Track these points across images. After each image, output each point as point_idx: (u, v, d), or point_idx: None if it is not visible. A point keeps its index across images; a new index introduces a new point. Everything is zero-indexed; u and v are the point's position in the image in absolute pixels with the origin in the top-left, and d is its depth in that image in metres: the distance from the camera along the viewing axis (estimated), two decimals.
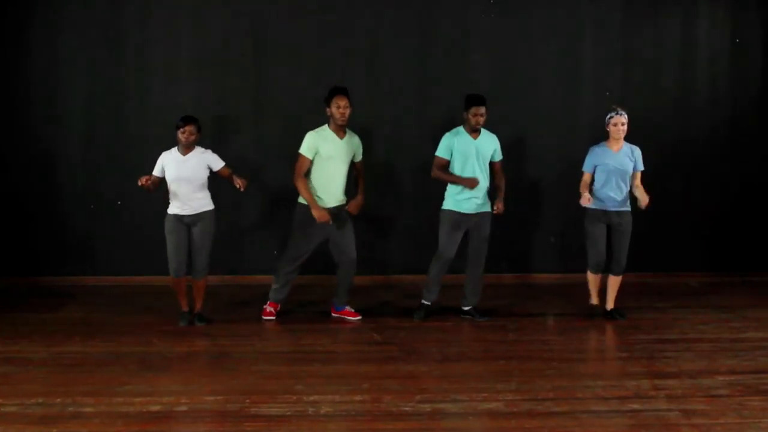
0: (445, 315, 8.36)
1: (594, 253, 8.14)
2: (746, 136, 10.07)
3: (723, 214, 10.10)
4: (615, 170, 7.98)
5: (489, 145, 8.04)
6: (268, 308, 8.23)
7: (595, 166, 8.06)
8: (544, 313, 8.50)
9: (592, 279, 8.33)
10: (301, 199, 7.83)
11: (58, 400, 5.94)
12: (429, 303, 8.25)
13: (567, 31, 9.84)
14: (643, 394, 6.10)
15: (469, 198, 7.93)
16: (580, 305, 8.65)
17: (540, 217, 9.98)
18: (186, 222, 7.73)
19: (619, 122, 7.93)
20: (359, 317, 8.20)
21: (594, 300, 8.41)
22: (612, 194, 8.02)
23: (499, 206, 8.00)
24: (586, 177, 8.07)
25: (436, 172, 7.99)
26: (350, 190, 8.07)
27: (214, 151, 7.96)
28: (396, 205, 9.87)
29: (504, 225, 9.60)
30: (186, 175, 7.65)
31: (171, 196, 7.73)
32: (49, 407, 5.82)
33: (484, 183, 7.98)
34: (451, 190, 8.01)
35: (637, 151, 8.07)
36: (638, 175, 8.08)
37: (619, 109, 7.99)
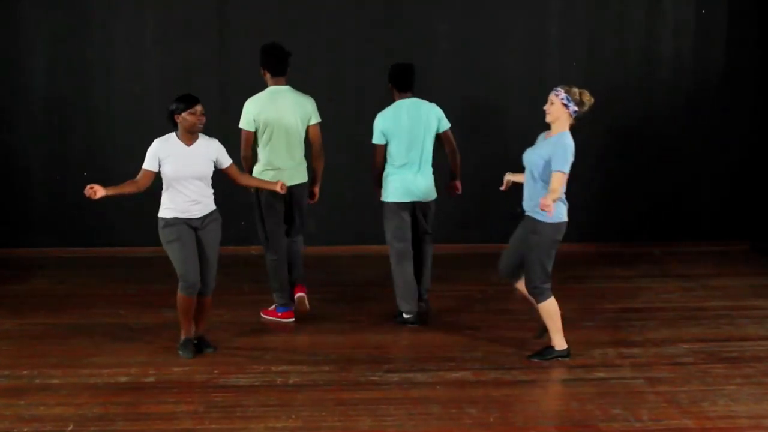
0: None
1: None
2: (711, 107, 10.12)
3: (686, 184, 10.16)
4: None
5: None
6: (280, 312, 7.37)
7: None
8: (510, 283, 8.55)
9: None
10: None
11: (25, 372, 5.92)
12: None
13: (533, 2, 9.83)
14: (608, 363, 6.19)
15: None
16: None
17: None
18: (194, 226, 6.27)
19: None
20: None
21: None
22: None
23: (457, 186, 7.54)
24: None
25: None
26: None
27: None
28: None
29: (473, 198, 9.66)
30: (196, 171, 6.21)
31: (170, 195, 6.22)
32: (16, 379, 5.81)
33: None
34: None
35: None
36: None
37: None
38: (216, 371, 5.96)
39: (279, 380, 5.83)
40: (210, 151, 6.27)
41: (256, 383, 5.77)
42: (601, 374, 5.95)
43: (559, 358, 6.17)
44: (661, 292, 8.18)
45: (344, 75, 9.69)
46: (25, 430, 5.04)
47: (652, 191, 10.08)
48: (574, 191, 9.73)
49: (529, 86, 9.79)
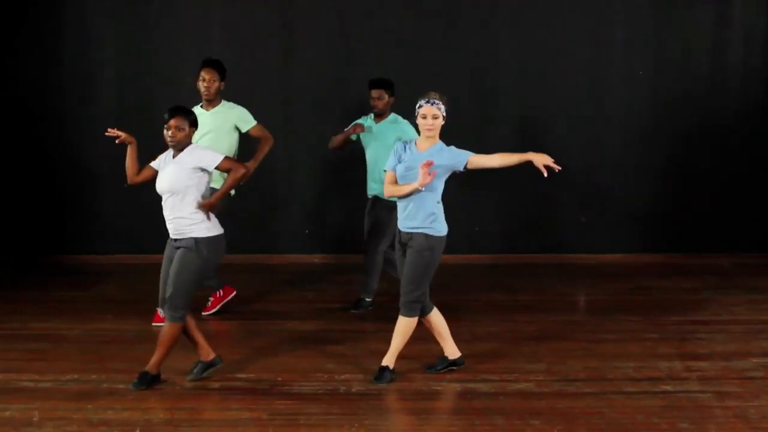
0: (473, 296, 8.36)
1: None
2: None
3: (756, 194, 9.97)
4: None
5: (390, 132, 7.51)
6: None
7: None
8: (574, 294, 8.48)
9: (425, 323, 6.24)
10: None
11: (93, 376, 6.01)
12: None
13: (597, 10, 9.73)
14: (675, 376, 6.08)
15: None
16: (611, 286, 8.61)
17: (569, 198, 9.88)
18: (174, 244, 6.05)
19: (430, 114, 5.86)
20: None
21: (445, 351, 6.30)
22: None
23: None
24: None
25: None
26: None
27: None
28: None
29: (534, 206, 9.61)
30: (165, 185, 5.91)
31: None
32: (84, 383, 5.90)
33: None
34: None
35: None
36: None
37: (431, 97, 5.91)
38: (279, 379, 5.99)
39: (342, 388, 5.83)
40: (191, 160, 5.79)
41: (319, 391, 5.79)
42: (667, 387, 5.85)
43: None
44: (729, 304, 8.02)
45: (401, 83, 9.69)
46: None
47: (719, 201, 9.91)
48: (639, 201, 9.76)
49: (594, 95, 9.71)
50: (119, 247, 9.86)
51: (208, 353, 6.00)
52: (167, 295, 5.81)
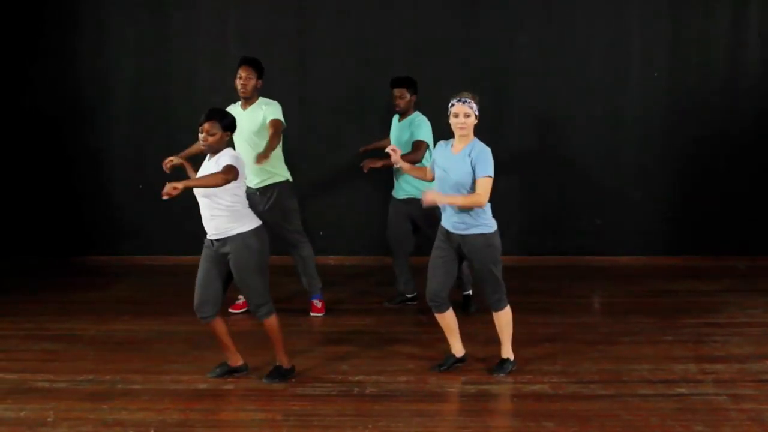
0: None
1: (428, 284, 6.14)
2: None
3: None
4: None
5: (406, 130, 7.60)
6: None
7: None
8: (590, 296, 8.45)
9: (437, 319, 6.26)
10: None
11: (108, 377, 6.05)
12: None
13: (614, 11, 9.69)
14: (690, 378, 6.06)
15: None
16: (626, 288, 8.59)
17: (585, 199, 9.85)
18: (214, 246, 6.00)
19: (462, 113, 5.88)
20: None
21: (452, 349, 6.36)
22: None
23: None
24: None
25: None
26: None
27: None
28: None
29: (550, 208, 9.59)
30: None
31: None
32: (99, 384, 5.94)
33: None
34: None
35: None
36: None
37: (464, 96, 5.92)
38: (293, 380, 6.01)
39: (356, 390, 5.84)
40: (218, 167, 5.77)
41: (333, 393, 5.80)
42: (682, 390, 5.83)
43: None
44: (746, 307, 7.96)
45: (429, 86, 9.71)
46: None
47: (735, 203, 9.84)
48: (655, 203, 9.72)
49: (610, 96, 9.68)
50: (136, 249, 9.90)
51: (236, 359, 6.13)
52: (253, 296, 5.91)
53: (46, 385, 5.93)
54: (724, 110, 9.74)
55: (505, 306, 6.16)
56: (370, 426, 5.24)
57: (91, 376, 6.07)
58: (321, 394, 5.78)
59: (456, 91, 5.94)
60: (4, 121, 9.72)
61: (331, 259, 9.48)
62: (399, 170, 7.34)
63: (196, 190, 5.77)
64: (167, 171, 6.51)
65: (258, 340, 6.55)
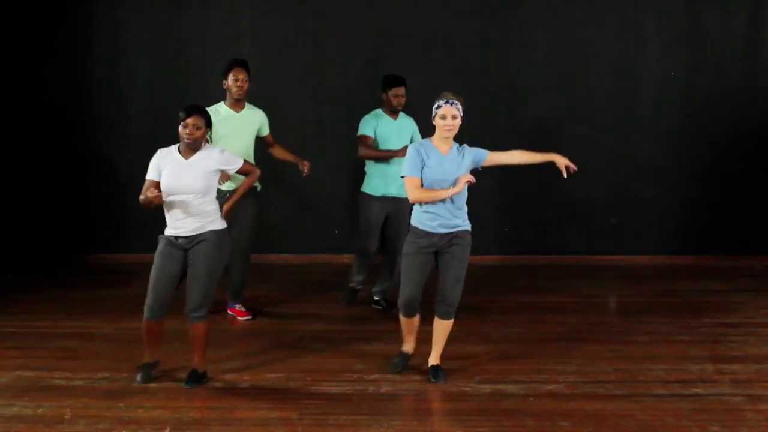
0: (503, 297, 8.34)
1: (404, 290, 5.99)
2: None
3: None
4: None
5: (408, 127, 7.72)
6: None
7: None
8: (604, 295, 8.43)
9: (404, 322, 6.18)
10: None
11: (124, 375, 6.06)
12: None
13: (629, 10, 9.66)
14: (706, 378, 6.03)
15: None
16: (641, 288, 8.56)
17: (600, 199, 9.83)
18: (181, 244, 5.96)
19: (449, 114, 5.80)
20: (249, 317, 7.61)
21: (405, 346, 6.34)
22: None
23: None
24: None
25: (365, 152, 7.56)
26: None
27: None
28: None
29: (564, 207, 9.58)
30: (184, 186, 5.83)
31: (165, 209, 6.01)
32: (115, 382, 5.95)
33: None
34: (376, 170, 7.67)
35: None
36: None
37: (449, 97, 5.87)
38: (309, 379, 6.01)
39: (371, 389, 5.84)
40: (209, 163, 5.79)
41: (348, 392, 5.80)
42: (698, 390, 5.81)
43: None
44: (762, 307, 7.94)
45: (439, 84, 9.69)
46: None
47: (751, 202, 9.81)
48: (669, 203, 9.69)
49: (625, 96, 9.66)
50: (149, 247, 9.86)
51: (156, 355, 6.14)
52: (201, 296, 5.83)
53: (63, 382, 5.94)
54: (738, 110, 9.72)
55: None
56: (384, 425, 5.23)
57: (107, 374, 6.08)
58: (336, 393, 5.78)
59: (438, 94, 5.90)
60: (18, 120, 9.75)
61: (346, 258, 9.47)
62: (390, 167, 7.47)
63: (184, 191, 5.76)
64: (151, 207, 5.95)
65: (267, 339, 6.54)
